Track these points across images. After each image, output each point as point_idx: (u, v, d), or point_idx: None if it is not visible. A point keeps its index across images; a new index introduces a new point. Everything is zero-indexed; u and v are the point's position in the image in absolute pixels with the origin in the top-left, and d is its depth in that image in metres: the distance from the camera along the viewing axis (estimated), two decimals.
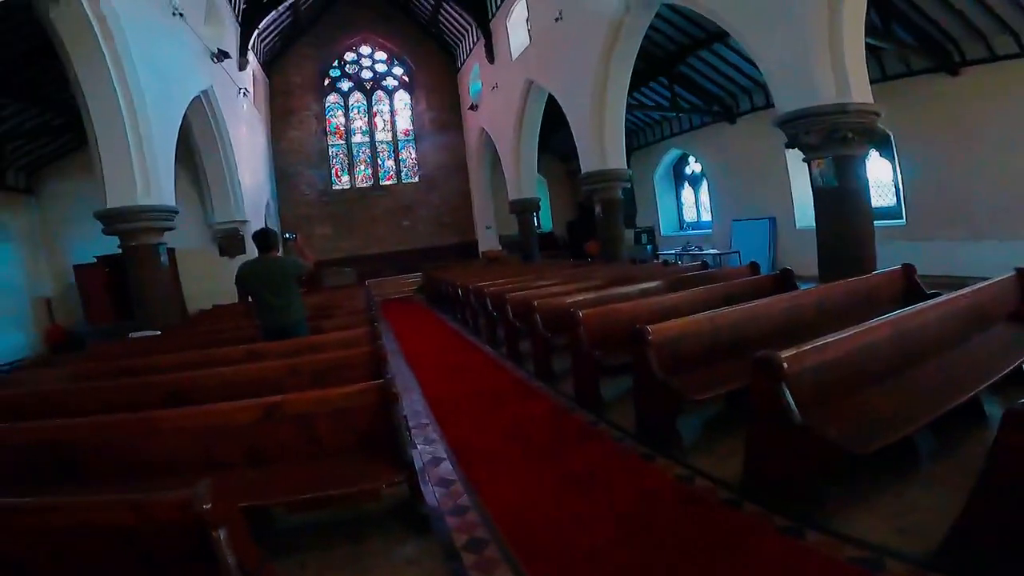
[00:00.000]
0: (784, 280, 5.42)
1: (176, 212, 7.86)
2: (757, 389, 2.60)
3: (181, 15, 8.75)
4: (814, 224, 5.58)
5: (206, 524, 1.54)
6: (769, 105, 10.77)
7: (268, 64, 16.75)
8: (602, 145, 9.57)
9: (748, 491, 2.71)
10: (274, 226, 16.34)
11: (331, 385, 3.23)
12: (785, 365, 2.48)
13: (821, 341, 2.79)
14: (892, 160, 9.36)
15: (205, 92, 10.25)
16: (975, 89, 7.88)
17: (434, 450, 3.89)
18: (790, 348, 2.63)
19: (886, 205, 9.44)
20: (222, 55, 10.71)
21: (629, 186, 9.99)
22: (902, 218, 9.17)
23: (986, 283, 4.07)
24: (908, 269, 5.01)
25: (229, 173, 11.69)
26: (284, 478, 2.61)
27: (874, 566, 2.12)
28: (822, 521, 2.43)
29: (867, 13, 5.33)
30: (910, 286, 4.94)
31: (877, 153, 9.29)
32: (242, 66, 12.80)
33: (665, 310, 4.52)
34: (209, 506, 1.54)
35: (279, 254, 4.90)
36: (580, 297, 5.53)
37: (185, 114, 10.30)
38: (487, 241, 17.65)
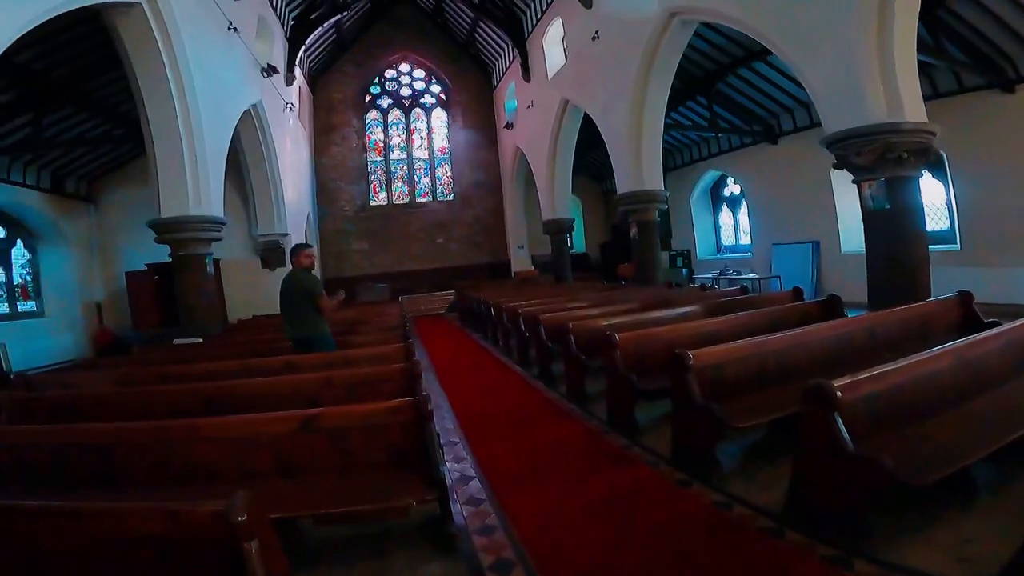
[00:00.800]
0: (832, 307, 5.19)
1: (224, 223, 8.13)
2: (808, 417, 2.54)
3: (236, 30, 9.10)
4: (862, 248, 5.36)
5: (239, 536, 1.53)
6: (813, 124, 10.54)
7: (312, 80, 17.25)
8: (639, 165, 9.49)
9: (791, 519, 2.61)
10: (315, 240, 16.79)
11: (365, 399, 3.25)
12: (839, 394, 2.41)
13: (877, 370, 2.70)
14: (945, 181, 8.96)
15: (255, 106, 10.61)
16: None
17: (463, 468, 3.84)
18: (844, 376, 2.56)
19: (939, 229, 9.01)
20: (271, 70, 11.11)
21: (665, 208, 9.85)
22: (956, 242, 8.72)
23: None
24: (965, 296, 4.73)
25: (274, 186, 12.02)
26: (315, 491, 2.61)
27: None
28: (870, 551, 2.32)
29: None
30: (967, 314, 4.66)
31: (929, 174, 8.90)
32: (289, 81, 13.20)
33: (705, 335, 4.38)
34: (244, 518, 1.53)
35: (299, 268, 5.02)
36: (616, 320, 5.42)
37: (236, 129, 10.84)
38: (520, 261, 17.64)
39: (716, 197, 14.83)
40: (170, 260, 7.70)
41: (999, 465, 2.88)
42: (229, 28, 8.93)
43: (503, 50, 16.66)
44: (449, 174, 19.13)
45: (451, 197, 19.03)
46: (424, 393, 2.86)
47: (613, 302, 7.21)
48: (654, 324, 5.03)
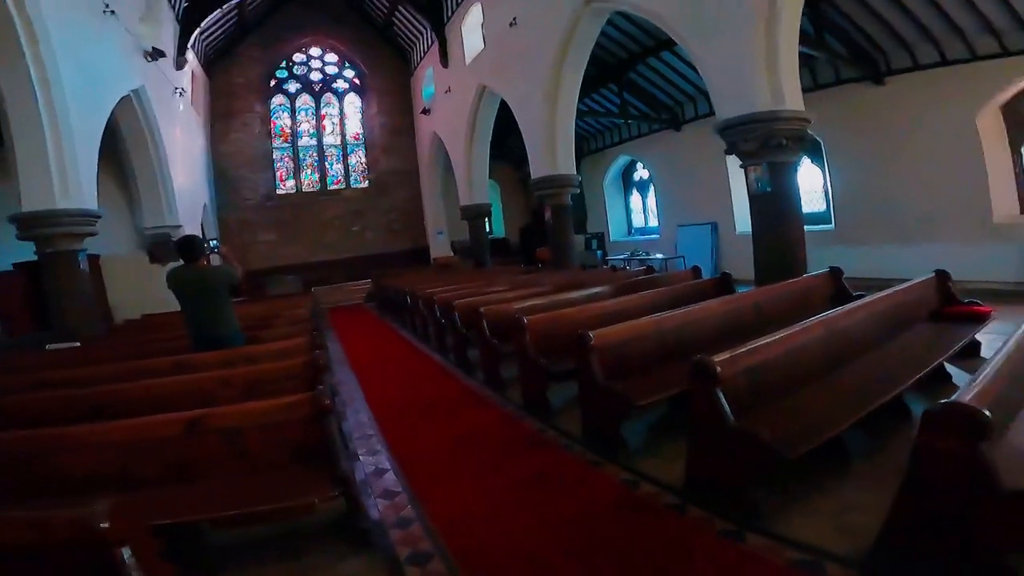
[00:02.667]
0: (724, 284, 5.61)
1: (98, 216, 7.38)
2: (695, 393, 2.63)
3: (112, 12, 8.29)
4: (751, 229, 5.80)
5: (108, 543, 1.46)
6: (712, 113, 11.15)
7: (210, 64, 16.02)
8: (553, 151, 9.66)
9: (691, 495, 2.73)
10: (213, 232, 15.58)
11: (265, 397, 3.08)
12: (719, 369, 2.52)
13: (755, 343, 2.85)
14: (822, 167, 9.92)
15: (136, 91, 9.75)
16: (899, 98, 8.39)
17: (378, 461, 3.77)
18: (724, 352, 2.68)
19: (817, 211, 9.97)
20: (156, 54, 10.20)
21: (579, 192, 10.13)
22: (831, 223, 9.70)
23: (908, 284, 4.34)
24: (836, 272, 5.29)
25: (161, 175, 11.07)
26: (210, 494, 2.47)
27: (814, 568, 2.15)
28: (762, 524, 2.45)
29: (801, 21, 5.58)
30: (838, 288, 5.21)
31: (809, 160, 9.81)
32: (179, 65, 12.23)
33: (611, 315, 4.57)
34: (107, 524, 1.44)
35: (208, 263, 4.62)
36: (528, 303, 5.52)
37: (113, 114, 9.78)
38: (439, 247, 17.45)
39: (627, 181, 15.45)
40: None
41: (869, 430, 3.10)
42: (105, 11, 8.12)
43: (422, 35, 16.25)
44: (364, 160, 18.49)
45: (366, 184, 18.42)
46: (321, 387, 2.75)
47: (528, 285, 7.36)
48: (565, 306, 5.17)
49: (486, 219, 14.47)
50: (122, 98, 9.43)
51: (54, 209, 6.62)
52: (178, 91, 12.18)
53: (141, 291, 11.37)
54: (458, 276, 11.53)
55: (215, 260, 6.05)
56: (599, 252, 14.69)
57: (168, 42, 11.45)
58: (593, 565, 2.37)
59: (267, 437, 2.56)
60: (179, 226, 11.69)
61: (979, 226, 7.62)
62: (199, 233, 13.48)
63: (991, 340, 4.42)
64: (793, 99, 5.45)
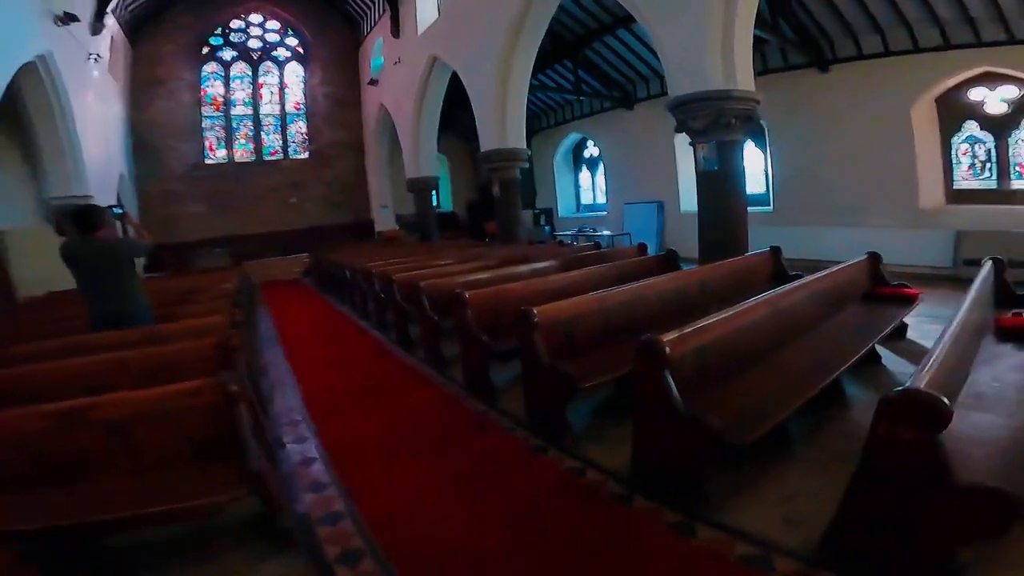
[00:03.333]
0: (669, 261, 5.58)
1: None
2: (640, 375, 2.46)
3: None
4: (696, 208, 5.77)
5: None
6: (664, 93, 11.16)
7: (134, 31, 14.61)
8: (503, 124, 9.36)
9: (637, 484, 2.62)
10: (131, 203, 14.33)
11: (169, 383, 2.73)
12: (668, 350, 2.36)
13: (703, 322, 2.74)
14: (764, 150, 10.13)
15: (42, 57, 8.74)
16: (841, 85, 8.60)
17: (306, 450, 3.49)
18: (673, 331, 2.53)
19: (758, 193, 10.21)
20: (68, 18, 9.18)
21: (528, 167, 9.90)
22: (770, 205, 9.96)
23: (843, 265, 4.41)
24: (775, 251, 5.36)
25: (69, 144, 10.03)
26: (93, 495, 2.14)
27: (763, 564, 2.07)
28: (709, 514, 2.37)
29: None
30: (777, 267, 5.29)
31: (752, 143, 9.98)
32: (96, 30, 11.11)
33: (557, 291, 4.42)
34: None
35: (112, 234, 4.09)
36: (471, 277, 5.29)
37: (15, 80, 8.66)
38: (384, 221, 16.85)
39: (577, 158, 15.34)
40: None
41: (806, 412, 2.99)
42: None
43: (373, 4, 15.34)
44: (304, 131, 17.47)
45: (306, 155, 17.44)
46: (231, 372, 2.42)
47: (474, 259, 7.10)
48: (510, 280, 4.98)
49: (433, 192, 13.99)
50: (25, 64, 8.43)
51: None
52: (92, 56, 11.03)
53: (48, 266, 10.25)
54: (402, 250, 11.11)
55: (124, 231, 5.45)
56: (547, 228, 14.59)
57: (84, 5, 10.35)
58: (535, 560, 2.23)
59: (162, 429, 2.23)
60: (89, 196, 10.61)
61: (907, 212, 7.99)
62: (115, 203, 12.35)
63: (918, 322, 4.62)
64: (745, 79, 5.42)
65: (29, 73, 8.78)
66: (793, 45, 8.65)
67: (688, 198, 11.32)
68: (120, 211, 4.10)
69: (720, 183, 5.35)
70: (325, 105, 17.41)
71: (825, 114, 8.84)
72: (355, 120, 17.68)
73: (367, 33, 16.52)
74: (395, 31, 13.85)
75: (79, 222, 3.84)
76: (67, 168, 10.14)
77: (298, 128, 17.49)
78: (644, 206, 12.05)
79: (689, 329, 2.63)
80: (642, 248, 6.59)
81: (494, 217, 15.46)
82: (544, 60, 10.13)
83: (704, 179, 5.48)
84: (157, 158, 15.40)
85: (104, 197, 11.56)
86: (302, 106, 17.46)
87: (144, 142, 15.16)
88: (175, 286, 7.81)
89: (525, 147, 9.77)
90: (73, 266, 3.88)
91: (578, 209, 15.42)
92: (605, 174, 13.70)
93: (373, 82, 15.84)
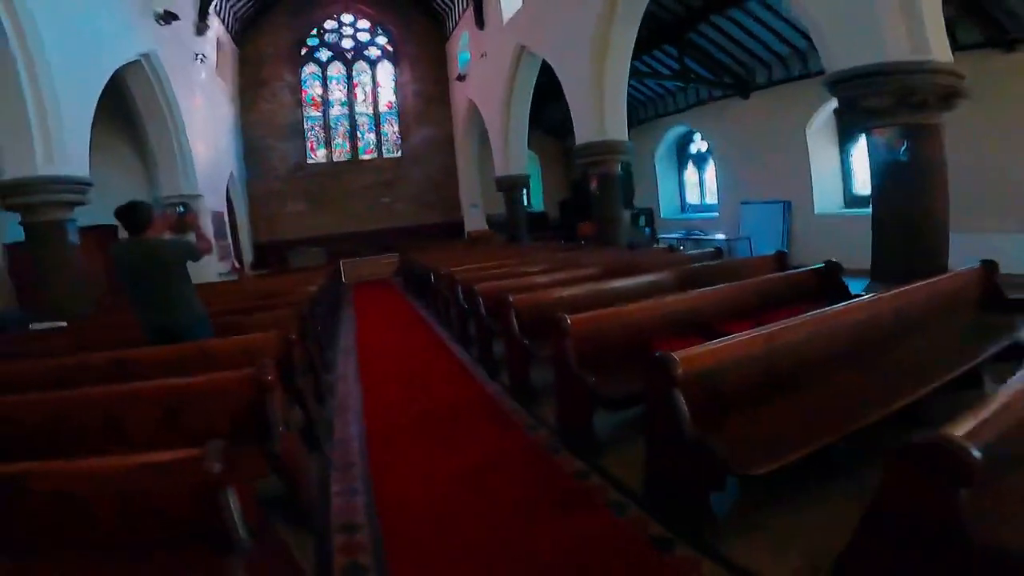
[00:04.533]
0: (830, 277, 4.27)
1: (90, 184, 6.70)
2: (650, 393, 2.34)
3: None
4: (836, 210, 4.58)
5: None
6: (791, 78, 9.72)
7: (239, 34, 15.37)
8: (601, 114, 8.33)
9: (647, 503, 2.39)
10: (241, 201, 15.02)
11: (189, 426, 2.11)
12: (679, 368, 2.16)
13: (728, 339, 2.44)
14: None
15: (146, 56, 9.08)
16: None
17: (351, 513, 2.73)
18: (693, 347, 2.32)
19: None
20: (168, 16, 9.46)
21: (629, 161, 8.78)
22: None
23: (947, 275, 3.56)
24: (988, 267, 3.87)
25: (179, 143, 10.48)
26: None
27: None
28: (716, 547, 2.12)
29: None
30: (989, 288, 3.81)
31: None
32: (200, 31, 11.58)
33: (686, 317, 3.39)
34: None
35: (161, 235, 3.65)
36: (569, 292, 4.36)
37: (126, 80, 9.20)
38: (473, 221, 16.43)
39: (682, 154, 13.85)
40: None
41: (872, 441, 2.30)
42: None
43: None
44: (396, 130, 17.56)
45: (398, 154, 17.49)
46: (211, 447, 1.62)
47: (570, 266, 6.14)
48: (617, 298, 4.00)
49: (523, 191, 13.22)
50: (132, 63, 8.85)
51: (36, 176, 5.94)
52: (199, 57, 11.51)
53: None
54: (490, 252, 10.43)
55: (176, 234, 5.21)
56: (647, 229, 13.28)
57: (186, 5, 10.76)
58: None
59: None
60: (198, 195, 11.07)
61: None
62: (223, 204, 12.90)
63: None
64: (941, 49, 4.02)
65: (136, 72, 9.16)
66: (970, 19, 6.76)
67: (825, 197, 9.62)
68: (183, 211, 3.62)
69: (911, 178, 3.96)
70: (415, 103, 17.35)
71: (1012, 102, 6.86)
72: (444, 117, 17.45)
73: (452, 28, 16.20)
74: (479, 23, 13.32)
75: (123, 220, 3.42)
76: (176, 167, 10.57)
77: (390, 127, 17.60)
78: (766, 206, 10.42)
79: (709, 346, 2.41)
80: (780, 258, 5.28)
81: (588, 217, 14.43)
82: (640, 46, 8.93)
83: (887, 172, 4.10)
84: (263, 158, 16.12)
85: (213, 197, 12.06)
86: (394, 105, 17.54)
87: (251, 142, 15.94)
88: (260, 287, 7.69)
89: (627, 138, 8.67)
90: (120, 271, 3.48)
91: (683, 209, 13.90)
92: (717, 171, 12.11)
93: (460, 78, 15.45)
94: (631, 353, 2.68)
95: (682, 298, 3.60)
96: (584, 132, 8.70)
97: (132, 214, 3.40)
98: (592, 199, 8.58)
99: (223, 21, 13.65)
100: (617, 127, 8.46)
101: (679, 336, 3.32)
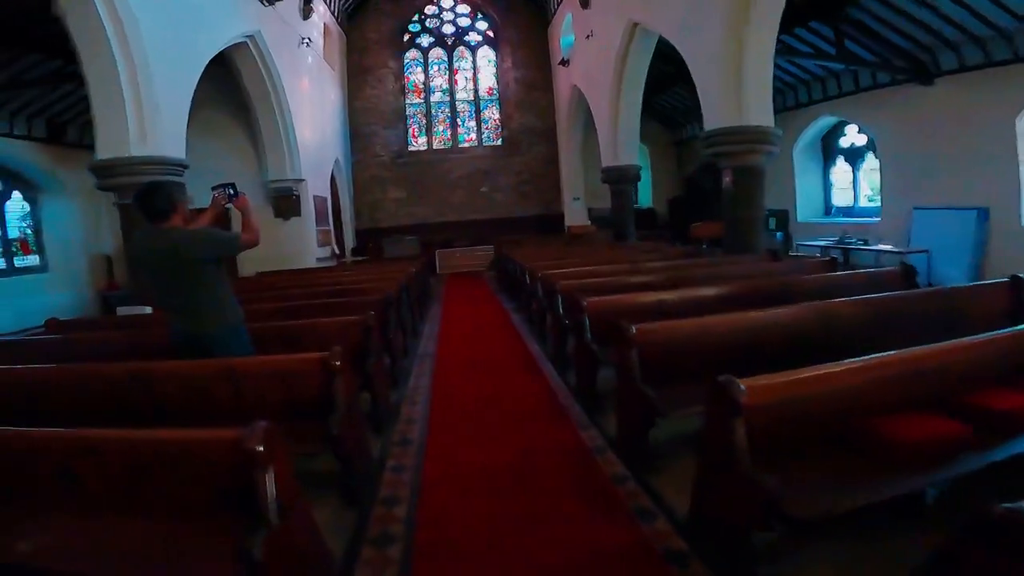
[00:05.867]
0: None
1: (185, 166, 6.62)
2: (710, 419, 2.03)
3: None
4: None
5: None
6: (990, 63, 7.55)
7: (345, 20, 15.54)
8: (738, 95, 6.83)
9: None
10: (346, 188, 15.14)
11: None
12: (743, 397, 1.87)
13: (813, 371, 2.03)
14: None
15: (252, 37, 9.05)
16: None
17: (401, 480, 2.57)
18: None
19: None
20: None
21: (776, 151, 7.17)
22: None
23: None
24: None
25: (284, 128, 10.53)
26: None
27: None
28: None
29: None
30: None
31: None
32: (306, 14, 11.56)
33: (908, 382, 2.13)
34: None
35: (188, 226, 2.97)
36: (720, 322, 3.11)
37: (235, 62, 9.28)
38: (574, 215, 15.32)
39: (828, 148, 11.64)
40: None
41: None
42: None
43: None
44: (497, 117, 16.91)
45: (499, 142, 16.84)
46: None
47: (695, 283, 4.81)
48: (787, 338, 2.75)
49: (633, 185, 11.83)
50: (238, 44, 8.87)
51: (129, 156, 5.86)
52: (304, 41, 11.51)
53: (266, 246, 11.03)
54: (593, 251, 9.27)
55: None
56: (778, 234, 11.35)
57: None
58: None
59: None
60: (301, 180, 11.12)
61: None
62: (327, 189, 12.93)
63: None
64: None
65: (243, 53, 9.17)
66: None
67: None
68: (234, 193, 2.92)
69: None
70: (516, 89, 16.60)
71: None
72: (546, 104, 16.50)
73: (555, 10, 15.13)
74: (583, 1, 12.07)
75: (141, 206, 2.77)
76: (282, 151, 10.61)
77: (491, 114, 16.99)
78: (951, 213, 8.21)
79: (783, 377, 2.03)
80: (1019, 289, 3.61)
81: (703, 216, 12.84)
82: (785, 22, 7.19)
83: None
84: (367, 144, 16.23)
85: (317, 182, 12.10)
86: (494, 91, 16.92)
87: (357, 128, 16.09)
88: (342, 278, 7.21)
89: (772, 125, 7.08)
90: (139, 269, 2.86)
91: (828, 212, 11.72)
92: (881, 169, 9.87)
93: (564, 62, 14.34)
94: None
95: (915, 357, 2.26)
96: (715, 116, 7.24)
97: (151, 199, 2.76)
98: (723, 196, 7.09)
99: (329, 6, 13.69)
100: (760, 111, 6.92)
101: (902, 409, 2.12)
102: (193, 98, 10.61)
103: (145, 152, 5.90)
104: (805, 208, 11.73)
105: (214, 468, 1.64)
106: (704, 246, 9.68)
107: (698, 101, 7.72)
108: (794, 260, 6.63)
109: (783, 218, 11.67)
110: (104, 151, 5.82)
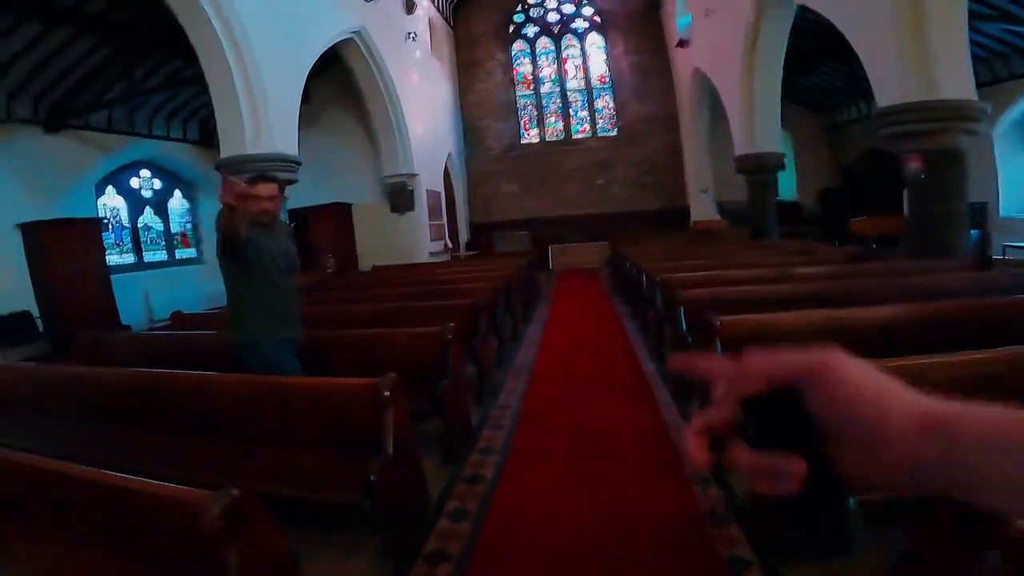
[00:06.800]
0: None
1: (298, 163, 6.83)
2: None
3: None
4: None
5: None
6: None
7: (451, 14, 15.59)
8: (925, 62, 5.27)
9: None
10: (460, 181, 15.19)
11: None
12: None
13: None
14: None
15: (358, 33, 9.17)
16: None
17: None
18: None
19: None
20: None
21: (981, 130, 5.48)
22: None
23: None
24: None
25: (396, 122, 10.66)
26: None
27: None
28: None
29: None
30: None
31: None
32: (409, 9, 11.60)
33: None
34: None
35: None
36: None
37: (346, 60, 9.48)
38: (702, 208, 13.84)
39: None
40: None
41: None
42: None
43: None
44: (611, 106, 15.92)
45: (614, 132, 15.83)
46: None
47: (875, 297, 3.62)
48: None
49: (773, 175, 10.22)
50: (346, 42, 9.03)
51: (246, 154, 6.15)
52: (411, 36, 11.56)
53: (382, 240, 11.38)
54: (726, 250, 8.03)
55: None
56: (974, 232, 9.08)
57: None
58: None
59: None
60: (415, 175, 11.19)
61: None
62: (440, 184, 12.99)
63: None
64: None
65: (352, 50, 9.32)
66: None
67: None
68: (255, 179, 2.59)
69: None
70: (631, 76, 15.45)
71: None
72: (665, 90, 15.12)
73: None
74: None
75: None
76: (395, 146, 10.75)
77: (605, 103, 16.02)
78: None
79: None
80: None
81: (865, 211, 10.80)
82: None
83: None
84: (480, 138, 16.16)
85: (429, 176, 12.16)
86: (607, 79, 15.90)
87: (469, 122, 16.07)
88: (443, 276, 6.91)
89: (975, 98, 5.41)
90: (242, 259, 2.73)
91: None
92: None
93: (682, 43, 12.86)
94: None
95: None
96: (893, 90, 5.66)
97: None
98: (910, 186, 5.55)
99: (432, 1, 13.69)
100: (958, 82, 5.30)
101: None
102: (315, 99, 11.16)
103: (258, 151, 6.13)
104: (1011, 201, 9.28)
105: (349, 408, 2.16)
106: (874, 245, 7.97)
107: (853, 80, 6.24)
108: (1009, 268, 4.94)
109: (980, 213, 9.33)
110: (226, 150, 6.14)
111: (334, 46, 8.63)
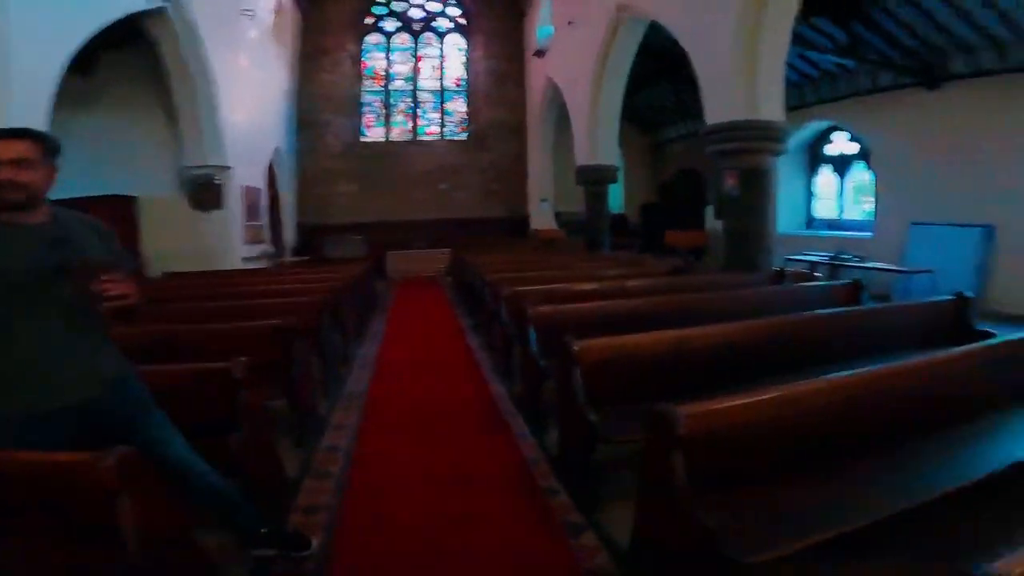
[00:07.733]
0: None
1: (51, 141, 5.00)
2: (647, 452, 1.87)
3: None
4: None
5: None
6: (1005, 69, 6.93)
7: None
8: (752, 86, 5.85)
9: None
10: (287, 179, 13.49)
11: None
12: (682, 426, 1.69)
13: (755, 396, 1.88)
14: None
15: (171, 3, 7.50)
16: None
17: None
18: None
19: None
20: None
21: (783, 152, 6.27)
22: None
23: None
24: None
25: (207, 105, 8.89)
26: None
27: None
28: None
29: None
30: None
31: None
32: None
33: None
34: None
35: None
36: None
37: (152, 33, 7.84)
38: (541, 218, 14.21)
39: (814, 155, 10.98)
40: None
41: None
42: None
43: None
44: (464, 110, 15.67)
45: (464, 136, 15.58)
46: None
47: (707, 316, 3.71)
48: None
49: (608, 187, 10.79)
50: (158, 10, 7.35)
51: None
52: (246, 13, 9.93)
53: (180, 241, 9.43)
54: (568, 262, 8.10)
55: None
56: None
57: None
58: None
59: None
60: (227, 167, 9.49)
61: None
62: (261, 180, 11.32)
63: None
64: None
65: (163, 22, 7.65)
66: None
67: None
68: None
69: None
70: (486, 81, 15.41)
71: None
72: (518, 98, 15.38)
73: None
74: None
75: None
76: (202, 133, 9.01)
77: (456, 106, 15.74)
78: (952, 231, 7.56)
79: (722, 403, 1.86)
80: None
81: (678, 225, 12.02)
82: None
83: None
84: (318, 133, 14.73)
85: (247, 170, 10.46)
86: (462, 82, 15.69)
87: (307, 115, 14.53)
88: (258, 287, 5.80)
89: (785, 121, 6.19)
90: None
91: (809, 225, 11.07)
92: (876, 180, 9.18)
93: (539, 53, 13.27)
94: None
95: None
96: (721, 109, 6.22)
97: None
98: (725, 202, 6.09)
99: None
100: (773, 104, 6.01)
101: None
102: (105, 73, 8.92)
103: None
104: (787, 219, 11.00)
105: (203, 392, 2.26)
106: (694, 257, 8.74)
107: (679, 101, 6.86)
108: (798, 282, 5.63)
109: None
110: None
111: (139, 14, 6.88)
